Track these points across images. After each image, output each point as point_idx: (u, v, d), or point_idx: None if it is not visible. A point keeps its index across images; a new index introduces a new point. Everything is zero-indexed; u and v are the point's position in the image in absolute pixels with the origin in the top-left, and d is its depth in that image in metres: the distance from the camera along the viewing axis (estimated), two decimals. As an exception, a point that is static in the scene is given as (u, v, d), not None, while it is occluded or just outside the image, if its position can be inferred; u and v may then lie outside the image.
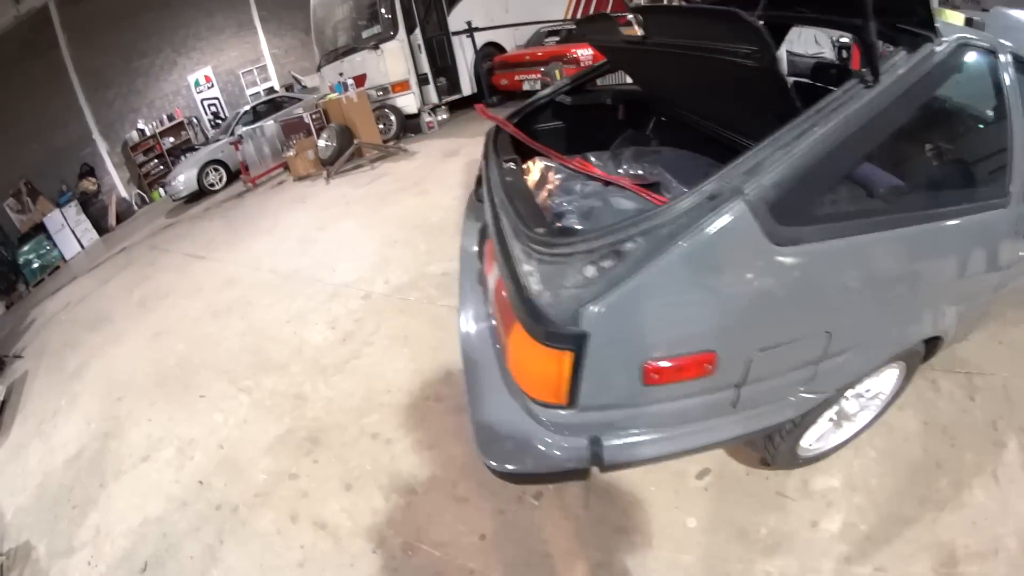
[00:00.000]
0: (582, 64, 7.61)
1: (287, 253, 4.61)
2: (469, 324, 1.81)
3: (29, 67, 9.70)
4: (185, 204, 8.65)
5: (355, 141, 6.64)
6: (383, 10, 7.45)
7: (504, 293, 1.31)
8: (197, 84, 11.50)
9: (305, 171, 7.02)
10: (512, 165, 1.78)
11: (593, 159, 2.23)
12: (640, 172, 2.13)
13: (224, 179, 8.91)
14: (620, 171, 2.18)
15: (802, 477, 1.73)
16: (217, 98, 11.75)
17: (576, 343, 1.08)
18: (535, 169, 2.16)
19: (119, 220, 10.36)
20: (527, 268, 1.23)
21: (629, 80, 2.65)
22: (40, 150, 9.93)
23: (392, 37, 7.46)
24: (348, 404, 2.54)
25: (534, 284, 1.18)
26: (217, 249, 5.47)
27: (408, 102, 7.73)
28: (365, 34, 7.73)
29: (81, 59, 10.27)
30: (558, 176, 2.11)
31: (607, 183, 1.93)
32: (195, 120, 11.48)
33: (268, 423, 2.58)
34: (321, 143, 6.87)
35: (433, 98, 8.02)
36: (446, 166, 5.76)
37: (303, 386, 2.77)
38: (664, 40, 1.75)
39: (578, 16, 11.10)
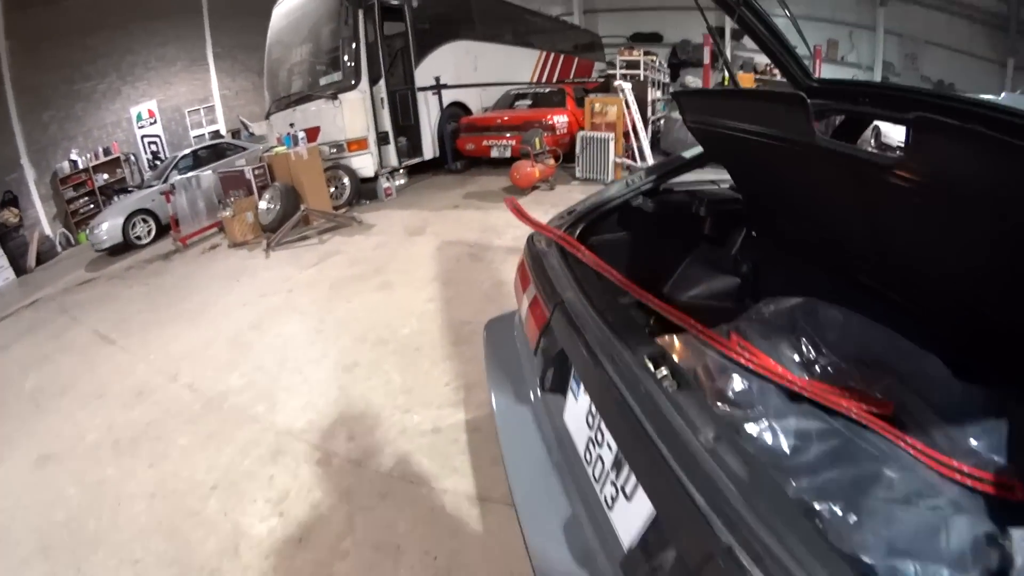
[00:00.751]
0: (558, 132, 7.14)
1: (213, 361, 3.80)
2: None
3: (-39, 73, 8.83)
4: (108, 255, 7.78)
5: (302, 206, 6.00)
6: (346, 56, 6.86)
7: None
8: (139, 118, 10.72)
9: (243, 236, 6.28)
10: (668, 377, 0.89)
11: (756, 337, 1.31)
12: (850, 373, 1.28)
13: (153, 232, 8.05)
14: (818, 368, 1.30)
15: None
16: (159, 136, 10.97)
17: None
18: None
19: (40, 261, 9.40)
20: None
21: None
22: (-41, 168, 9.00)
23: (353, 87, 6.89)
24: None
25: None
26: (131, 333, 4.71)
27: (365, 163, 7.05)
28: (323, 81, 7.12)
29: (20, 72, 9.47)
30: (730, 383, 1.16)
31: (823, 407, 1.15)
32: (133, 157, 10.66)
33: None
34: (263, 205, 6.20)
35: (393, 160, 7.40)
36: (411, 248, 5.07)
37: (250, 619, 1.84)
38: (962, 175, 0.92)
39: (543, 79, 10.68)
